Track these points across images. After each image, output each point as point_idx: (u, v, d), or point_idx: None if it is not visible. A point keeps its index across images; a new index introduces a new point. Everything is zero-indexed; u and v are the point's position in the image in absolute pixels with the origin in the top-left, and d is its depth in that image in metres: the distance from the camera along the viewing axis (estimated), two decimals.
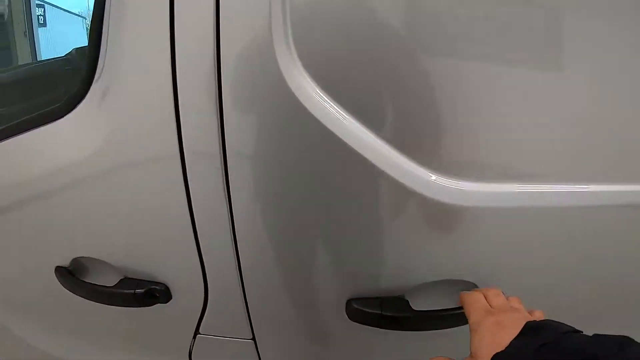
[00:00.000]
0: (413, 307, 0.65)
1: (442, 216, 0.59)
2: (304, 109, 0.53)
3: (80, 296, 0.82)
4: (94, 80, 0.60)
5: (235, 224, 0.64)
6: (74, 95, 0.63)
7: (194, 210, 0.64)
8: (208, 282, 0.73)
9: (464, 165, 0.57)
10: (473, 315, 0.44)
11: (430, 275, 0.64)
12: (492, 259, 0.63)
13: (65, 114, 0.64)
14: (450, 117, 0.55)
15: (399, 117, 0.55)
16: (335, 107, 0.54)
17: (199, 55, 0.54)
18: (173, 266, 0.74)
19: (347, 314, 0.68)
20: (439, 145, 0.56)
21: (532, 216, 0.58)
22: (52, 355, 1.21)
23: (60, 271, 0.83)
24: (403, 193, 0.57)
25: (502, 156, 0.57)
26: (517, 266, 0.63)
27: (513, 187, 0.57)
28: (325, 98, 0.53)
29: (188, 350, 0.88)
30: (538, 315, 0.44)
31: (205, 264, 0.70)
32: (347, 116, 0.54)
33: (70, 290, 0.83)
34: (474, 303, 0.46)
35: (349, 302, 0.68)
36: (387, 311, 0.65)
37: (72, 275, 0.83)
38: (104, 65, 0.59)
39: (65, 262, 0.83)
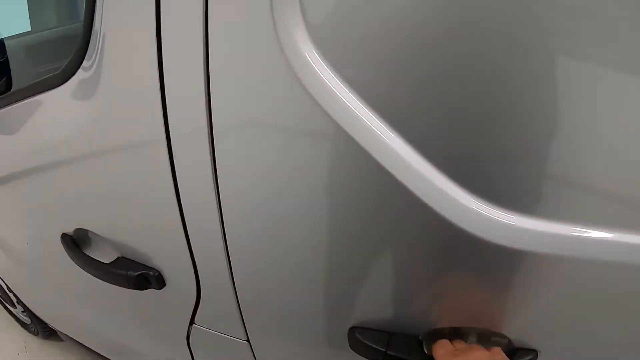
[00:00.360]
0: (426, 351, 0.53)
1: (477, 254, 0.45)
2: (303, 87, 0.41)
3: (80, 267, 0.79)
4: (85, 59, 0.56)
5: (224, 217, 0.55)
6: (67, 67, 0.58)
7: (181, 197, 0.57)
8: (199, 275, 0.66)
9: (517, 194, 0.42)
10: (441, 358, 0.49)
11: (456, 320, 0.52)
12: (540, 318, 0.48)
13: (59, 85, 0.60)
14: (499, 120, 0.39)
15: (429, 111, 0.40)
16: (342, 88, 0.41)
17: (185, 30, 0.46)
18: (165, 254, 0.68)
19: (348, 342, 0.58)
20: (484, 159, 0.41)
21: (602, 272, 0.43)
22: (58, 319, 1.25)
23: (65, 238, 0.81)
24: (423, 212, 0.43)
25: (572, 186, 0.41)
26: (575, 333, 0.48)
27: (579, 231, 0.41)
28: (334, 77, 0.41)
29: (186, 336, 0.84)
30: (496, 351, 0.48)
31: (195, 256, 0.63)
32: (356, 102, 0.41)
33: (72, 259, 0.80)
34: (441, 348, 0.50)
35: (352, 330, 0.57)
36: (393, 350, 0.54)
37: (75, 244, 0.80)
38: (96, 46, 0.54)
39: (69, 229, 0.80)
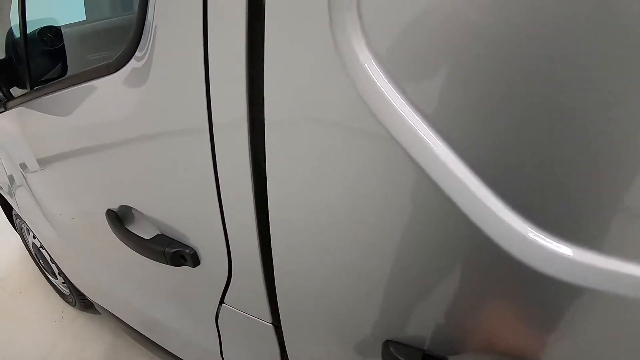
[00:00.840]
0: None
1: (530, 286, 0.43)
2: (355, 89, 0.43)
3: (122, 241, 0.86)
4: (137, 50, 0.62)
5: (270, 211, 0.60)
6: (121, 56, 0.64)
7: (220, 183, 0.62)
8: (231, 257, 0.71)
9: (586, 224, 0.39)
10: None
11: (495, 350, 0.51)
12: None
13: (112, 72, 0.66)
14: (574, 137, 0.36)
15: (488, 128, 0.39)
16: (396, 96, 0.42)
17: (231, 30, 0.50)
18: (201, 234, 0.74)
19: (382, 355, 0.60)
20: (548, 185, 0.39)
21: None
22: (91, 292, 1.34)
23: (109, 214, 0.88)
24: (476, 239, 0.43)
25: None
26: None
27: None
28: (389, 84, 0.41)
29: (215, 315, 0.90)
30: None
31: (229, 239, 0.68)
32: (410, 111, 0.41)
33: (115, 234, 0.88)
34: None
35: (387, 343, 0.59)
36: None
37: (119, 220, 0.87)
38: (148, 37, 0.59)
39: (114, 206, 0.87)
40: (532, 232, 0.41)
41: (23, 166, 1.24)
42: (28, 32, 1.04)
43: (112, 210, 0.89)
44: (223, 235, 0.69)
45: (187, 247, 0.77)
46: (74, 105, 0.81)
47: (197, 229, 0.74)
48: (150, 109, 0.65)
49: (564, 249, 0.40)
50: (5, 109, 1.12)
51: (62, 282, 1.67)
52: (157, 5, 0.57)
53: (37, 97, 0.94)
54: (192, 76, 0.56)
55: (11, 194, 1.52)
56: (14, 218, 1.79)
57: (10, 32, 1.10)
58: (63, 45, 1.16)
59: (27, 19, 1.02)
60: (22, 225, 1.72)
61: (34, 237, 1.60)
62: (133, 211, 0.85)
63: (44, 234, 1.40)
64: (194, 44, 0.53)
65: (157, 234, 0.81)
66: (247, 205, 0.61)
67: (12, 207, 1.69)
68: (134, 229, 0.86)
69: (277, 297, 0.71)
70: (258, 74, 0.50)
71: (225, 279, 0.77)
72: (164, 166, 0.68)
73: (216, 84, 0.55)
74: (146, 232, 0.83)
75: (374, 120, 0.43)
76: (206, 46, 0.53)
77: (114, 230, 0.88)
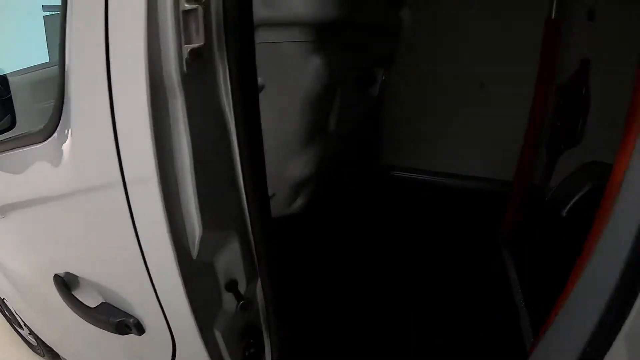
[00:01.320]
0: None
1: None
2: None
3: (69, 307, 0.86)
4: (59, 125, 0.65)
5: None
6: (45, 129, 0.67)
7: (141, 243, 0.62)
8: (171, 327, 0.72)
9: None
10: None
11: None
12: None
13: (40, 142, 0.68)
14: None
15: None
16: None
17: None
18: (140, 303, 0.74)
19: None
20: None
21: None
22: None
23: (57, 279, 0.88)
24: None
25: None
26: None
27: None
28: None
29: None
30: None
31: (164, 309, 0.69)
32: None
33: (62, 299, 0.87)
34: None
35: None
36: None
37: (66, 285, 0.87)
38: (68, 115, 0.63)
39: (60, 271, 0.87)
40: None
41: None
42: None
43: (59, 276, 0.89)
44: (158, 304, 0.69)
45: (131, 316, 0.77)
46: (8, 169, 0.82)
47: (135, 298, 0.74)
48: (71, 182, 0.67)
49: None
50: None
51: (29, 333, 1.64)
52: (72, 85, 0.60)
53: None
54: (103, 142, 0.59)
55: None
56: None
57: None
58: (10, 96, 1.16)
59: None
60: None
61: None
62: (79, 278, 0.85)
63: (3, 287, 1.39)
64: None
65: (102, 302, 0.81)
66: (172, 272, 0.62)
67: None
68: (80, 294, 0.86)
69: None
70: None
71: (171, 347, 0.77)
72: (92, 234, 0.69)
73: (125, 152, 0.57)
74: (93, 299, 0.83)
75: None
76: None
77: (62, 296, 0.87)
